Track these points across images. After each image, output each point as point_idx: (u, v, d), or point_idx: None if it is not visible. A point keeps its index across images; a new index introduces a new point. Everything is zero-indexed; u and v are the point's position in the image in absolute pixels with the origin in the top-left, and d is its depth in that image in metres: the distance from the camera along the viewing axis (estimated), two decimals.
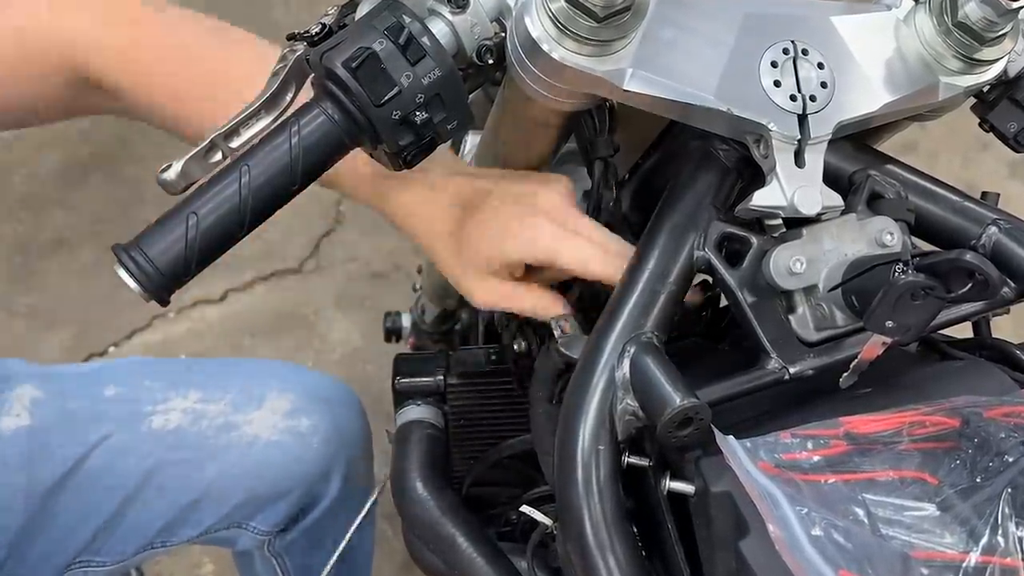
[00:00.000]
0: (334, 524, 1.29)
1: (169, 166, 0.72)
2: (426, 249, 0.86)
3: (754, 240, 0.73)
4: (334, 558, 1.17)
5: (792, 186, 0.71)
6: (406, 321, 1.94)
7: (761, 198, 0.71)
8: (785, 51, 0.73)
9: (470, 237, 0.82)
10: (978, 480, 0.64)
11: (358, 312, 2.45)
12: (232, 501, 1.19)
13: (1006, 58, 0.77)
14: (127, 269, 0.69)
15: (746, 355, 0.73)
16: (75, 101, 0.90)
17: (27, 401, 1.13)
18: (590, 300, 0.88)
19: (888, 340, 0.68)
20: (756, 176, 0.75)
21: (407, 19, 0.68)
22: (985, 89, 0.82)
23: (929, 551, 0.61)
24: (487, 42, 0.73)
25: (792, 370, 0.71)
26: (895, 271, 0.65)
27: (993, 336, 0.85)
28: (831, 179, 0.74)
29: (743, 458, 0.63)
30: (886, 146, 0.88)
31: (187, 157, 0.72)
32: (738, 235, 0.74)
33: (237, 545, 1.27)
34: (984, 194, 0.84)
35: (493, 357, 1.07)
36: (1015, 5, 0.71)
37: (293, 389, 1.24)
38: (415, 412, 1.05)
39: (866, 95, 0.74)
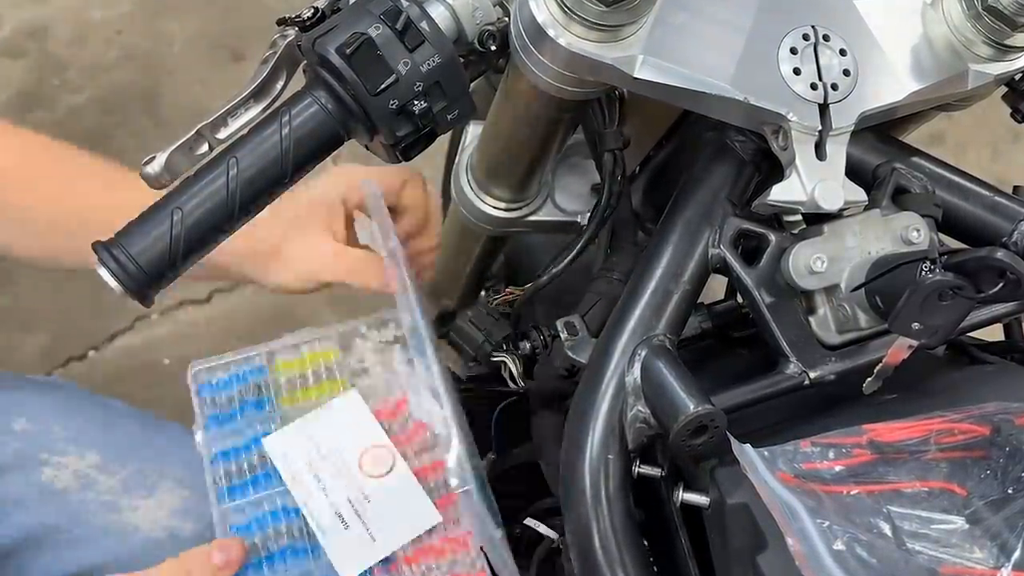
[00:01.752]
0: None
1: (152, 158, 0.72)
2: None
3: (772, 237, 0.73)
4: None
5: (812, 180, 0.71)
6: None
7: (780, 193, 0.71)
8: (805, 36, 0.73)
9: None
10: (1010, 491, 0.64)
11: (354, 313, 2.44)
12: None
13: None
14: (107, 268, 0.69)
15: (764, 359, 0.73)
16: None
17: None
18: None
19: (914, 343, 0.68)
20: (774, 169, 0.75)
21: (405, 2, 0.68)
22: (1017, 77, 0.82)
23: (957, 567, 0.61)
24: (489, 27, 0.73)
25: (812, 375, 0.71)
26: (922, 270, 0.65)
27: None
28: (854, 172, 0.74)
29: (761, 468, 0.63)
30: (912, 138, 0.88)
31: (171, 149, 0.72)
32: (755, 232, 0.74)
33: None
34: (1016, 188, 0.84)
35: (495, 360, 1.07)
36: None
37: (193, 485, 1.19)
38: None
39: (891, 83, 0.74)
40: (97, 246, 0.69)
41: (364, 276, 1.00)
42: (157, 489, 1.18)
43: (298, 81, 0.75)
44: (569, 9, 0.67)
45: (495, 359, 0.92)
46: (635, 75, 0.69)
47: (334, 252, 1.00)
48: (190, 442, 0.97)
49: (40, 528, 1.13)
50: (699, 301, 0.79)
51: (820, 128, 0.72)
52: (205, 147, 0.73)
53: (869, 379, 0.72)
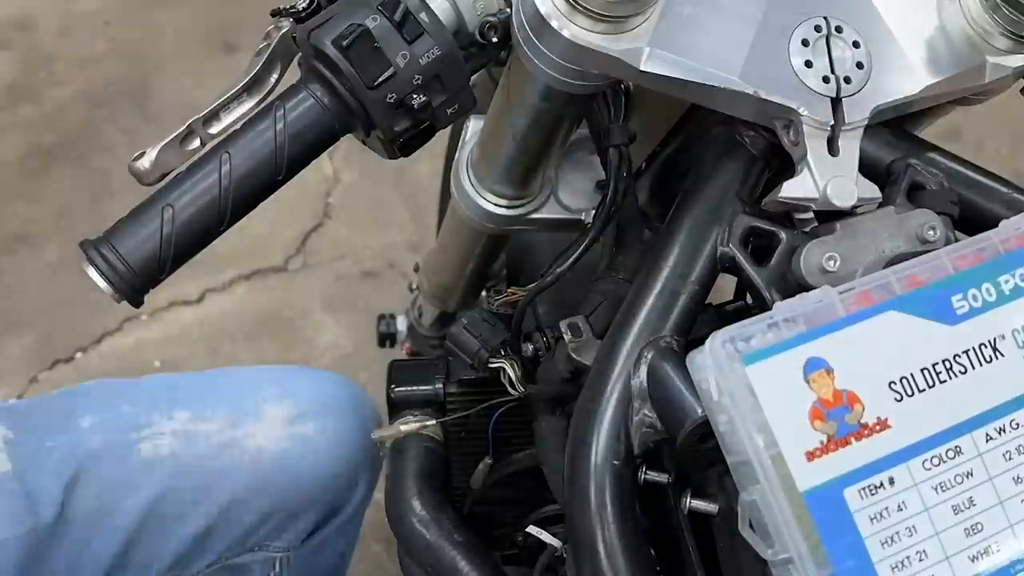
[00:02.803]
0: (340, 534, 1.28)
1: (142, 154, 0.72)
2: None
3: (783, 235, 0.73)
4: None
5: (825, 176, 0.71)
6: (402, 324, 1.94)
7: (791, 189, 0.71)
8: (817, 28, 0.73)
9: None
10: None
11: (349, 314, 2.45)
12: (245, 524, 1.17)
13: None
14: (96, 267, 0.69)
15: None
16: None
17: (0, 443, 1.09)
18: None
19: None
20: (785, 165, 0.75)
21: None
22: None
23: None
24: (491, 18, 0.73)
25: None
26: None
27: None
28: (868, 168, 0.74)
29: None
30: (927, 133, 0.88)
31: (162, 144, 0.72)
32: (765, 230, 0.74)
33: (255, 573, 1.25)
34: None
35: (493, 366, 1.07)
36: None
37: (290, 393, 1.22)
38: (412, 424, 1.05)
39: (906, 77, 0.74)
40: (85, 245, 0.69)
41: None
42: (262, 409, 1.20)
43: (293, 74, 0.75)
44: (573, 0, 0.67)
45: (493, 365, 0.92)
46: (641, 68, 0.70)
47: None
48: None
49: (158, 502, 1.13)
50: (707, 302, 0.79)
51: (833, 123, 0.72)
52: (196, 142, 0.73)
53: None
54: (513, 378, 0.90)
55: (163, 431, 1.15)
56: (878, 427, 0.63)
